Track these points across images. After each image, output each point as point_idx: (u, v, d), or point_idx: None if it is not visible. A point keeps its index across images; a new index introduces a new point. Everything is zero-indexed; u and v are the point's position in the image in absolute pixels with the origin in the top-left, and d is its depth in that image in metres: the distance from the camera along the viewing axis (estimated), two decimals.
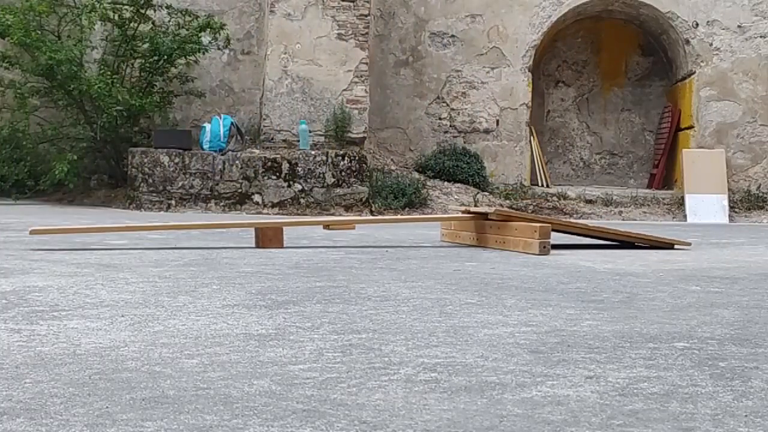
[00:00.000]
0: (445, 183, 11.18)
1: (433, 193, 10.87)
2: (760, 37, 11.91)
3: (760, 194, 11.70)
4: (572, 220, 9.73)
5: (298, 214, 9.82)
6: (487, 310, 3.09)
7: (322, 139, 10.78)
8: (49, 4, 10.47)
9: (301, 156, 10.31)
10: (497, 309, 3.11)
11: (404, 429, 1.64)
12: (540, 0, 11.82)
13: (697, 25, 11.88)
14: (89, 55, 10.80)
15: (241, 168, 10.17)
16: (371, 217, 9.34)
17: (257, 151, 10.49)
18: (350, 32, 10.87)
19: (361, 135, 10.87)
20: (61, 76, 10.15)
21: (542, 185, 12.05)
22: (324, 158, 10.30)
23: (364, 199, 10.31)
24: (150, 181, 10.12)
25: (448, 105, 11.86)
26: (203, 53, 10.88)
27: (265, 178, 10.19)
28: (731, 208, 11.35)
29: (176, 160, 10.13)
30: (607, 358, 2.30)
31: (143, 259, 4.52)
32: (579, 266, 4.67)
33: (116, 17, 10.61)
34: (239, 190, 10.15)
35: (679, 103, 12.43)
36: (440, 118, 11.87)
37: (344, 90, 10.86)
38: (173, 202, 10.09)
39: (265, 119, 10.93)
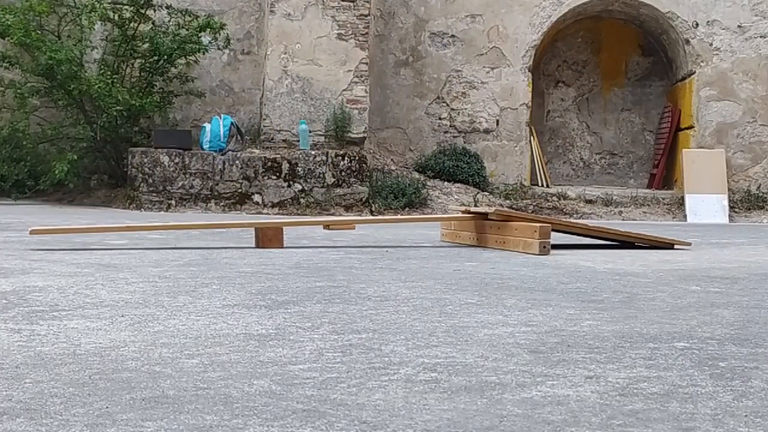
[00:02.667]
0: (445, 183, 11.18)
1: (433, 193, 10.87)
2: (760, 37, 11.91)
3: (760, 194, 11.70)
4: (572, 220, 9.73)
5: (298, 214, 9.82)
6: (487, 310, 3.09)
7: (322, 139, 10.79)
8: (49, 4, 10.47)
9: (301, 156, 10.31)
10: (497, 309, 3.11)
11: (404, 429, 1.64)
12: (540, 0, 11.82)
13: (697, 25, 11.88)
14: (89, 55, 10.80)
15: (241, 168, 10.17)
16: (371, 217, 9.34)
17: (257, 151, 10.49)
18: (350, 32, 10.87)
19: (361, 135, 10.87)
20: (61, 76, 10.15)
21: (542, 185, 12.05)
22: (324, 158, 10.30)
23: (364, 199, 10.31)
24: (150, 181, 10.12)
25: (448, 105, 11.86)
26: (203, 53, 10.88)
27: (265, 178, 10.19)
28: (731, 208, 11.35)
29: (176, 160, 10.13)
30: (607, 358, 2.30)
31: (143, 259, 4.52)
32: (579, 266, 4.67)
33: (116, 17, 10.61)
34: (239, 190, 10.15)
35: (679, 103, 12.43)
36: (440, 118, 11.87)
37: (344, 90, 10.86)
38: (173, 202, 10.09)
39: (265, 119, 10.93)
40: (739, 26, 11.89)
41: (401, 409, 1.77)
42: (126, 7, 10.66)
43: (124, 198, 10.29)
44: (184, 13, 10.93)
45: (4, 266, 4.07)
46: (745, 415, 1.78)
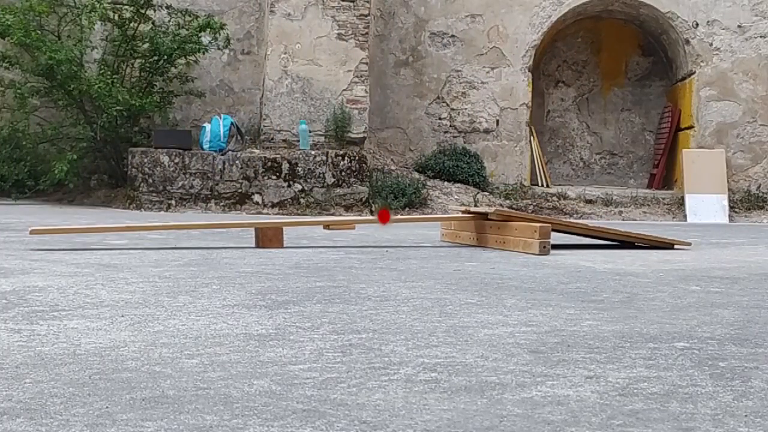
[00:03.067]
0: (445, 183, 11.18)
1: (433, 193, 10.87)
2: (760, 37, 11.91)
3: (760, 194, 11.70)
4: (572, 220, 9.73)
5: (298, 214, 9.82)
6: (487, 310, 3.09)
7: (322, 139, 10.79)
8: (49, 4, 10.47)
9: (301, 156, 10.31)
10: (497, 309, 3.11)
11: (404, 429, 1.64)
12: (540, 0, 11.82)
13: (697, 25, 11.88)
14: (89, 55, 10.80)
15: (241, 168, 10.17)
16: (371, 217, 9.34)
17: (257, 151, 10.49)
18: (350, 32, 10.87)
19: (361, 135, 10.87)
20: (61, 76, 10.16)
21: (542, 185, 12.05)
22: (324, 158, 10.30)
23: (364, 199, 10.31)
24: (150, 181, 10.12)
25: (448, 105, 11.86)
26: (203, 53, 10.88)
27: (265, 178, 10.19)
28: (731, 208, 11.35)
29: (176, 160, 10.13)
30: (607, 358, 2.30)
31: (143, 259, 4.52)
32: (579, 266, 4.67)
33: (116, 17, 10.61)
34: (239, 190, 10.15)
35: (679, 103, 12.44)
36: (440, 118, 11.88)
37: (344, 90, 10.86)
38: (173, 202, 10.09)
39: (265, 119, 10.93)
40: (739, 26, 11.90)
41: (401, 409, 1.77)
42: (126, 7, 10.66)
43: (124, 198, 10.29)
44: (184, 13, 10.93)
45: (4, 266, 4.07)
46: (745, 415, 1.78)
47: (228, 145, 10.34)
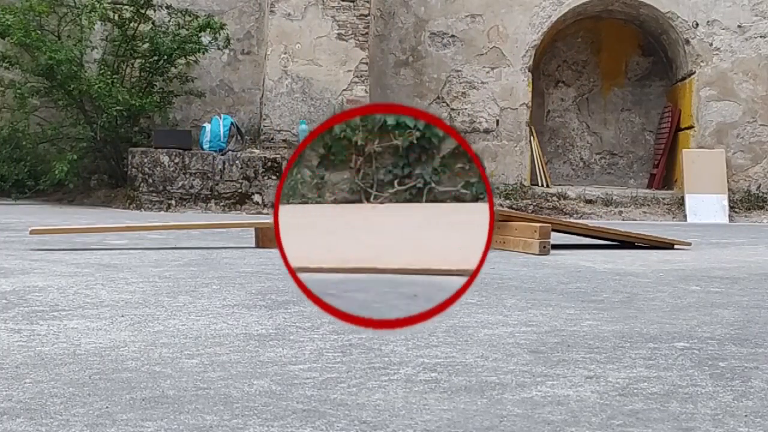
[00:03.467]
0: None
1: None
2: (760, 37, 11.91)
3: (760, 194, 11.70)
4: (572, 220, 9.73)
5: None
6: (487, 310, 3.09)
7: None
8: (49, 4, 10.47)
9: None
10: (497, 309, 3.11)
11: (404, 429, 1.64)
12: (540, 0, 11.82)
13: (697, 25, 11.88)
14: (89, 55, 10.80)
15: (241, 168, 10.17)
16: None
17: (257, 151, 10.49)
18: (350, 32, 10.87)
19: None
20: (61, 76, 10.15)
21: (542, 185, 12.05)
22: None
23: None
24: (150, 181, 10.12)
25: (448, 105, 11.86)
26: (203, 53, 10.88)
27: (265, 178, 10.19)
28: (731, 208, 11.35)
29: (176, 160, 10.13)
30: (607, 358, 2.30)
31: (143, 259, 4.52)
32: (579, 266, 4.67)
33: (116, 17, 10.61)
34: (239, 190, 10.15)
35: (679, 103, 12.43)
36: None
37: (344, 90, 10.86)
38: (173, 202, 10.09)
39: (265, 119, 10.93)
40: (739, 26, 11.89)
41: (401, 409, 1.77)
42: (126, 7, 10.66)
43: (124, 198, 10.29)
44: (184, 13, 10.93)
45: (4, 266, 4.06)
46: (745, 415, 1.78)
47: (228, 145, 10.34)
